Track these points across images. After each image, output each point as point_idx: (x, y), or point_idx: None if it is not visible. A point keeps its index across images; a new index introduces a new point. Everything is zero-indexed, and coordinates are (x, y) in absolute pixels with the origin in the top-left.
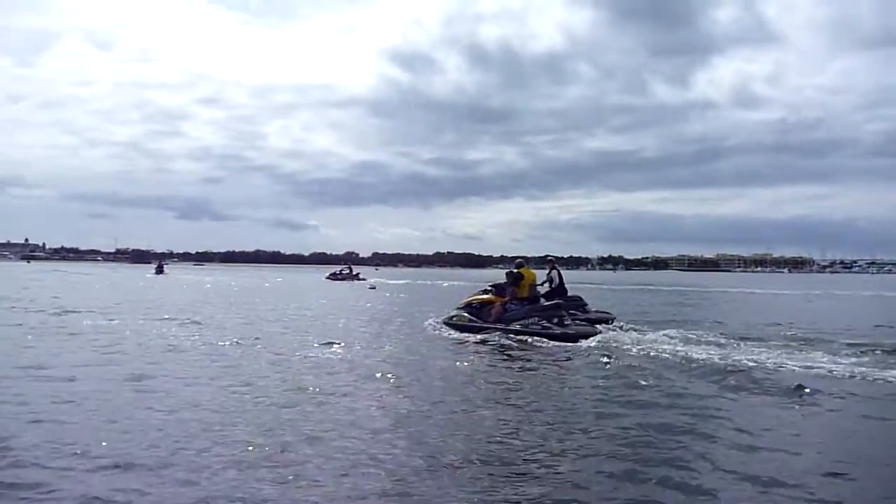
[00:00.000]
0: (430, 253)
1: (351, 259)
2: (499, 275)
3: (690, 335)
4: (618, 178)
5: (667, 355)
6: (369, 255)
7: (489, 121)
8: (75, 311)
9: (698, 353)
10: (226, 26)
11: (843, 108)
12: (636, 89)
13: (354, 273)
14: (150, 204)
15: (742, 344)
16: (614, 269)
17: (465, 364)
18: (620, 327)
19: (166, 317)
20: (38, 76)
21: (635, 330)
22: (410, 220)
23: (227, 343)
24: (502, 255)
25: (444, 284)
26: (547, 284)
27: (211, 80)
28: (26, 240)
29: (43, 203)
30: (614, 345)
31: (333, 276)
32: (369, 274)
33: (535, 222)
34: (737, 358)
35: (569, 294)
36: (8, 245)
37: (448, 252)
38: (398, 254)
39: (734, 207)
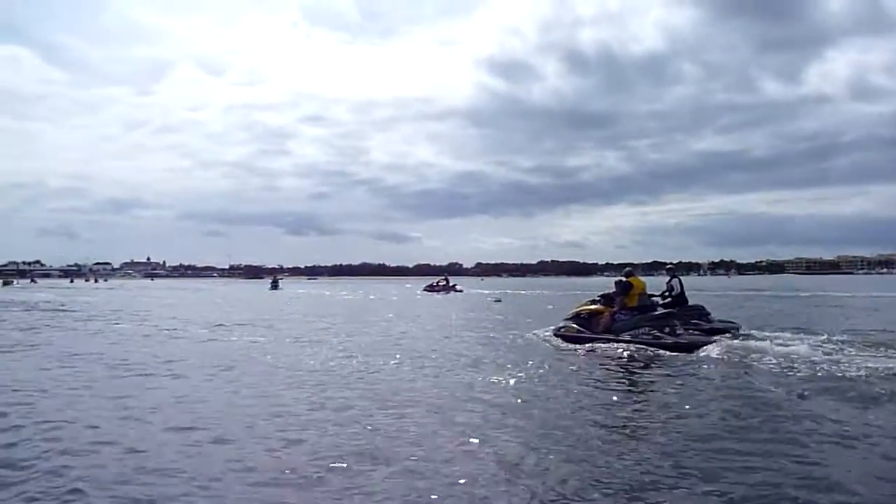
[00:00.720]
0: (534, 262)
1: (454, 270)
2: (605, 282)
3: (827, 345)
4: (726, 180)
5: (796, 367)
6: (472, 265)
7: (589, 126)
8: (239, 325)
9: (838, 365)
10: (328, 46)
11: None
12: (743, 87)
13: (451, 284)
14: (261, 221)
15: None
16: (728, 275)
17: (573, 376)
18: (744, 337)
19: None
20: (155, 103)
21: (759, 339)
22: (512, 229)
23: (393, 364)
24: (607, 263)
25: (546, 293)
26: (667, 293)
27: (315, 98)
28: (148, 258)
29: (161, 223)
30: (732, 355)
31: (430, 289)
32: (474, 285)
33: (639, 228)
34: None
35: (689, 303)
36: (132, 264)
37: (552, 260)
38: (501, 263)
39: (853, 206)
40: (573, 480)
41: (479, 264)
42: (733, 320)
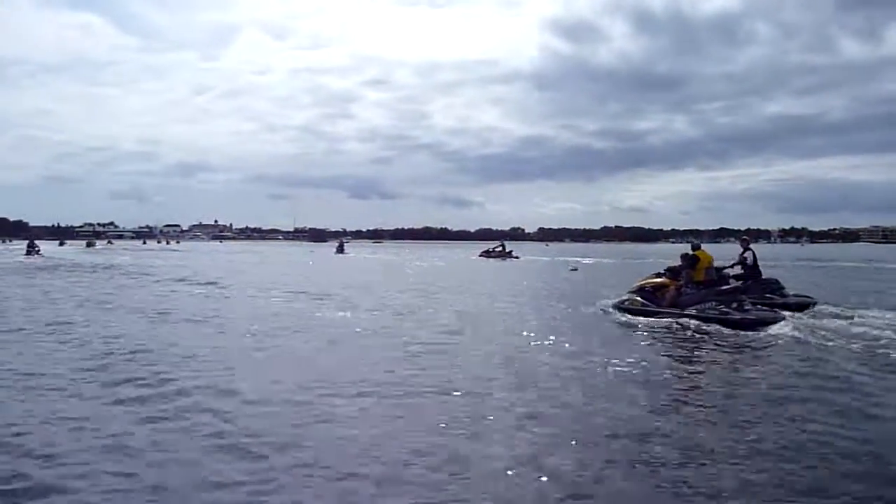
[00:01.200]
0: (597, 227)
1: (517, 235)
2: (670, 249)
3: None
4: (799, 145)
5: (872, 350)
6: (535, 230)
7: (657, 89)
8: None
9: None
10: (391, 9)
11: None
12: (821, 47)
13: (508, 251)
14: (324, 184)
15: None
16: (801, 243)
17: (636, 352)
18: (818, 315)
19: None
20: (221, 68)
21: (837, 316)
22: (575, 194)
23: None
24: (672, 229)
25: (619, 262)
26: (739, 266)
27: (378, 62)
28: (216, 221)
29: (228, 186)
30: (802, 334)
31: (486, 254)
32: (535, 251)
33: (705, 193)
34: None
35: (763, 276)
36: (200, 226)
37: (615, 226)
38: (564, 228)
39: None
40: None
41: (541, 229)
42: (809, 295)
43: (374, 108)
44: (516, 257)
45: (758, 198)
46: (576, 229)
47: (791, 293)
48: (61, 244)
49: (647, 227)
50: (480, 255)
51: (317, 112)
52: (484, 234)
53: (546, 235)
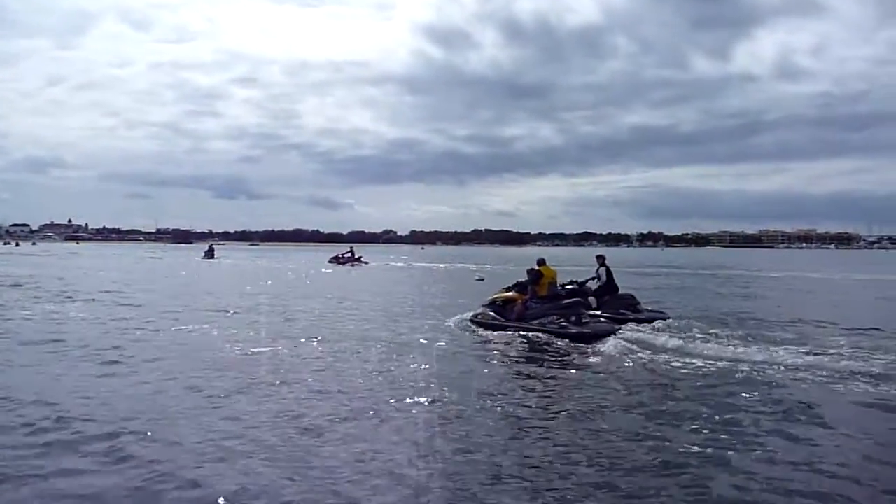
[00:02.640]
0: (468, 230)
1: (389, 237)
2: (538, 252)
3: (734, 340)
4: (655, 154)
5: (681, 362)
6: (407, 232)
7: (525, 96)
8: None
9: (733, 361)
10: (260, 5)
11: (890, 80)
12: (675, 63)
13: (357, 256)
14: (188, 183)
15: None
16: (660, 247)
17: (482, 365)
18: (659, 327)
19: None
20: (77, 58)
21: (676, 332)
22: (446, 197)
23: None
24: (539, 233)
25: (474, 269)
26: (595, 281)
27: (246, 59)
28: (69, 220)
29: (83, 184)
30: (624, 349)
31: (336, 260)
32: (415, 254)
33: (571, 199)
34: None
35: (620, 291)
36: (52, 226)
37: (485, 229)
38: (436, 231)
39: (775, 183)
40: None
41: (413, 232)
42: (663, 311)
43: (242, 105)
44: (366, 262)
45: (618, 204)
46: (447, 232)
47: (646, 308)
48: None
49: (515, 230)
50: (330, 262)
51: (181, 108)
52: (356, 237)
53: (418, 238)
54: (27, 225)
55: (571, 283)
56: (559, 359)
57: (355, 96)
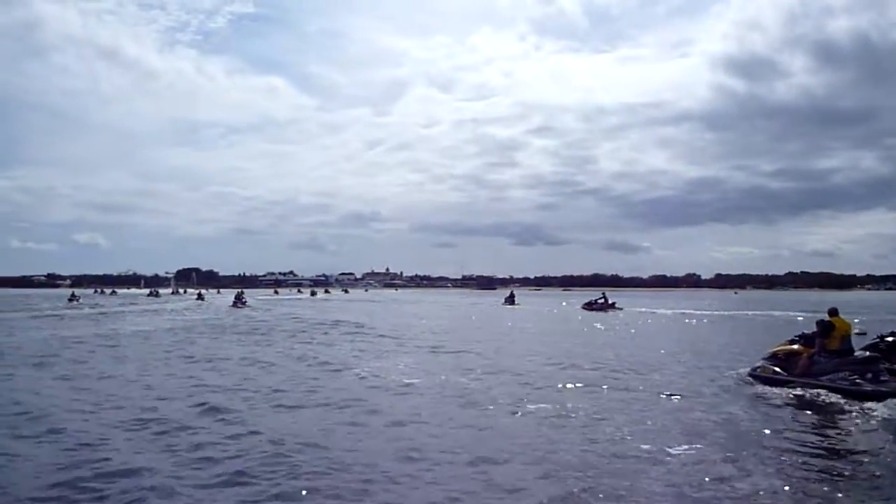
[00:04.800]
0: (781, 273)
1: (692, 281)
2: (868, 297)
3: None
4: None
5: None
6: (711, 276)
7: (841, 124)
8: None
9: None
10: (554, 57)
11: None
12: None
13: (611, 302)
14: (489, 232)
15: None
16: None
17: (762, 426)
18: None
19: None
20: (391, 122)
21: None
22: (752, 237)
23: None
24: (868, 275)
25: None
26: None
27: (542, 109)
28: (387, 269)
29: (397, 235)
30: None
31: (588, 306)
32: (724, 301)
33: None
34: None
35: None
36: (372, 274)
37: (801, 272)
38: (744, 274)
39: None
40: None
41: (718, 275)
42: None
43: (538, 154)
44: (620, 308)
45: None
46: (757, 275)
47: None
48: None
49: (836, 272)
50: (583, 307)
51: (482, 161)
52: (657, 281)
53: (723, 282)
54: (352, 273)
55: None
56: (850, 421)
57: (651, 137)
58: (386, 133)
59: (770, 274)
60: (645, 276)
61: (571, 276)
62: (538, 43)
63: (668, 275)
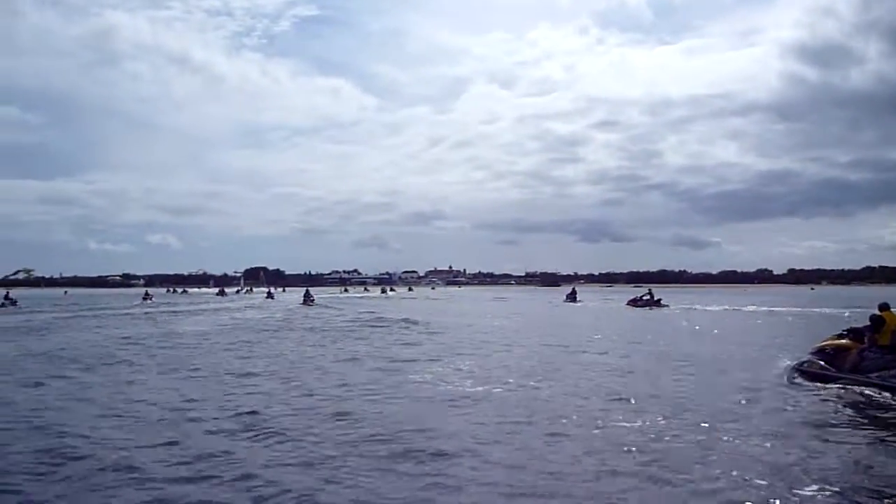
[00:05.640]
0: (858, 268)
1: (763, 277)
2: None
3: None
4: None
5: None
6: (784, 271)
7: None
8: None
9: None
10: (617, 49)
11: None
12: None
13: (657, 299)
14: (552, 228)
15: None
16: None
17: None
18: None
19: None
20: (452, 120)
21: None
22: (827, 231)
23: None
24: None
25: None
26: None
27: (605, 103)
28: (450, 266)
29: (460, 233)
30: None
31: (633, 303)
32: (796, 297)
33: None
34: None
35: None
36: (435, 272)
37: (880, 266)
38: (819, 269)
39: None
40: None
41: (791, 271)
42: None
43: (602, 149)
44: (666, 306)
45: None
46: (832, 270)
47: None
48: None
49: None
50: (628, 304)
51: (544, 157)
52: (727, 277)
53: (796, 277)
54: (415, 271)
55: None
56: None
57: (719, 129)
58: (447, 131)
59: (846, 269)
60: (714, 271)
61: (638, 273)
62: (601, 36)
63: (739, 270)
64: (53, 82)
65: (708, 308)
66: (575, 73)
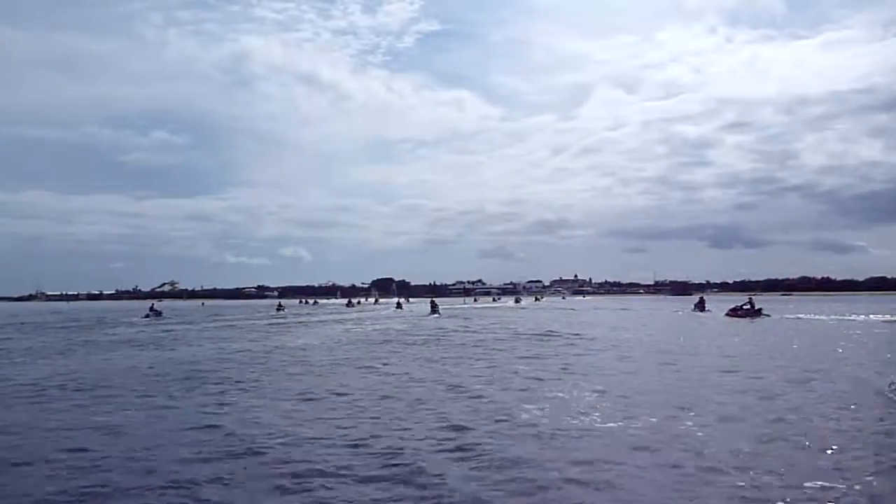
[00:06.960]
0: None
1: None
2: None
3: None
4: None
5: None
6: None
7: None
8: None
9: None
10: (749, 46)
11: None
12: None
13: (757, 308)
14: (682, 235)
15: None
16: None
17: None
18: None
19: None
20: (576, 127)
21: None
22: None
23: None
24: None
25: None
26: None
27: (735, 103)
28: (575, 276)
29: (585, 241)
30: None
31: (733, 312)
32: None
33: None
34: None
35: None
36: (560, 281)
37: None
38: None
39: None
40: None
41: None
42: None
43: (732, 152)
44: (767, 315)
45: None
46: None
47: None
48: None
49: None
50: (727, 315)
51: (671, 161)
52: (876, 284)
53: None
54: (540, 281)
55: None
56: None
57: (861, 126)
58: (571, 138)
59: None
60: (861, 278)
61: (776, 280)
62: (729, 34)
63: (889, 276)
64: (195, 105)
65: (818, 317)
66: (703, 75)
